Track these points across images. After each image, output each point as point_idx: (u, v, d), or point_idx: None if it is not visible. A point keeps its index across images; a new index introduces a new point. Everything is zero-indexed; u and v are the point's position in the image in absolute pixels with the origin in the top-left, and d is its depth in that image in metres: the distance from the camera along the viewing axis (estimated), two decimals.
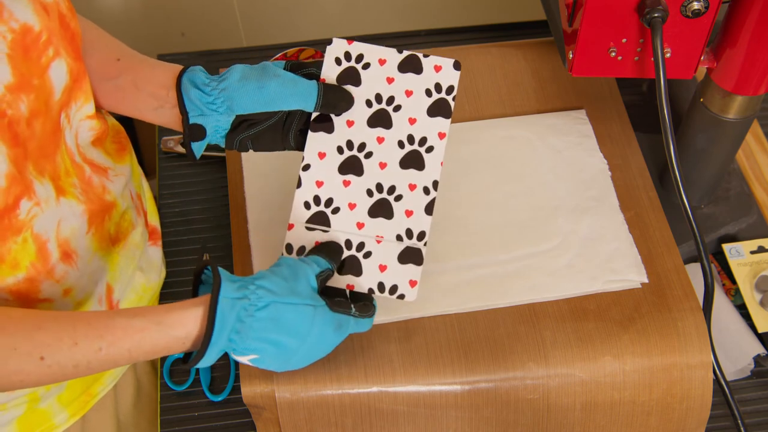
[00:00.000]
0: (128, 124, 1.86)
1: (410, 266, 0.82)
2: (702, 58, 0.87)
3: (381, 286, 0.82)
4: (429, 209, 0.83)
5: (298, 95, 0.80)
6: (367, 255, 0.83)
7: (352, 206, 0.84)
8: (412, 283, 0.82)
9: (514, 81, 1.06)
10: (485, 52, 1.09)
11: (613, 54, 0.87)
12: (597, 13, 0.83)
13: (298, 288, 0.75)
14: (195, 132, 0.80)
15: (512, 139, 1.00)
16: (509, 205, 0.95)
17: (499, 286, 0.89)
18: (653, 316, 0.87)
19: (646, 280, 0.89)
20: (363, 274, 0.82)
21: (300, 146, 0.84)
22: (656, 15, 0.81)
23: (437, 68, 0.85)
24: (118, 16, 1.62)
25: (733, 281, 1.02)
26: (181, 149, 1.14)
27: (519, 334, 0.86)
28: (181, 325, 0.71)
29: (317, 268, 0.78)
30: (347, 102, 0.82)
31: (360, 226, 0.83)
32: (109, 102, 0.84)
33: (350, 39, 0.85)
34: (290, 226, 0.83)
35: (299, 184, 0.83)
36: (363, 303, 0.80)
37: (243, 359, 0.73)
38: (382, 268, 0.82)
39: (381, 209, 0.83)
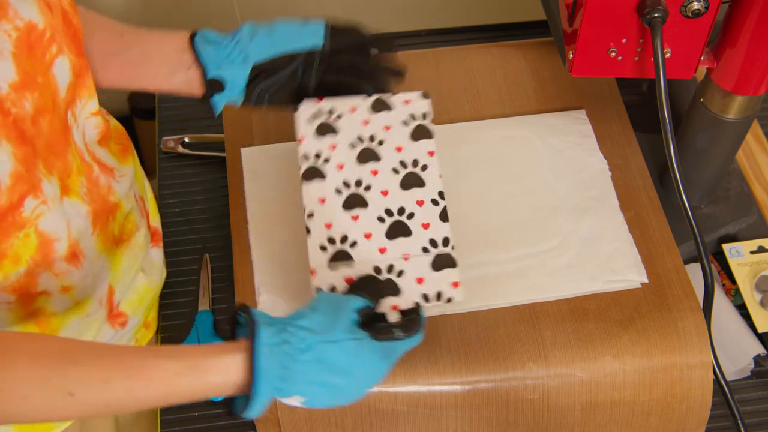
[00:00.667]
0: (128, 124, 1.87)
1: (446, 271, 0.81)
2: (702, 58, 0.87)
3: (425, 297, 0.80)
4: (444, 216, 0.83)
5: (306, 32, 0.82)
6: (400, 274, 0.81)
7: (368, 236, 0.83)
8: (455, 285, 0.81)
9: (514, 81, 1.06)
10: (485, 52, 1.09)
11: (613, 54, 0.87)
12: (597, 13, 0.83)
13: (339, 323, 0.72)
14: (214, 86, 0.82)
15: (512, 139, 1.00)
16: (509, 205, 0.95)
17: (500, 286, 0.89)
18: (653, 316, 0.87)
19: (646, 280, 0.89)
20: (403, 293, 0.81)
21: (317, 94, 0.85)
22: (656, 15, 0.81)
23: (407, 102, 0.87)
24: (117, 16, 1.62)
25: (733, 281, 1.02)
26: (181, 149, 1.14)
27: (519, 334, 0.86)
28: (219, 372, 0.68)
29: (358, 302, 0.75)
30: (356, 31, 0.83)
31: (382, 251, 0.83)
32: (119, 78, 0.84)
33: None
34: (312, 272, 0.82)
35: (308, 232, 0.82)
36: (408, 319, 0.76)
37: (292, 401, 0.70)
38: (420, 281, 0.81)
39: (397, 230, 0.83)
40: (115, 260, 0.87)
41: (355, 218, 0.83)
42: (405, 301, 0.80)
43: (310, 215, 0.83)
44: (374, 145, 0.86)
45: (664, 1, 0.81)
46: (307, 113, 0.86)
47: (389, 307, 0.80)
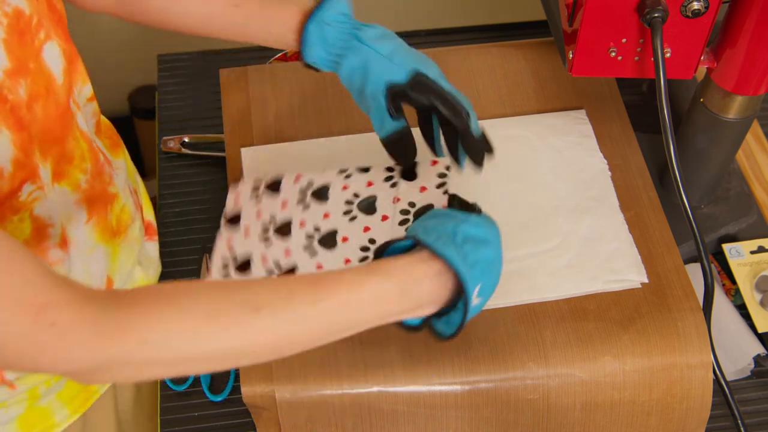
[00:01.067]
0: (128, 124, 1.87)
1: None
2: (702, 58, 0.87)
3: None
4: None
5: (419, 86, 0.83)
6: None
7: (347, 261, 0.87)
8: None
9: (514, 81, 1.06)
10: (485, 52, 1.09)
11: (613, 54, 0.87)
12: (597, 13, 0.83)
13: (444, 213, 0.75)
14: (311, 66, 0.87)
15: (512, 139, 1.00)
16: (509, 205, 0.95)
17: (500, 286, 0.89)
18: (653, 316, 0.87)
19: (646, 280, 0.89)
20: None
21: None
22: (656, 15, 0.81)
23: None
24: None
25: (733, 281, 1.02)
26: (181, 149, 1.14)
27: (519, 334, 0.86)
28: (409, 272, 0.68)
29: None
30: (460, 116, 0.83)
31: (385, 218, 0.86)
32: (230, 37, 0.88)
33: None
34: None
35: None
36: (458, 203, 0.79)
37: (474, 298, 0.70)
38: None
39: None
40: (113, 251, 0.87)
41: (345, 240, 0.87)
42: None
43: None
44: (274, 224, 0.89)
45: (664, 1, 0.81)
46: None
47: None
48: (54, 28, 0.75)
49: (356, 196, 0.89)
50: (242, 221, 0.90)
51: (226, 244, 0.89)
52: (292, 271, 0.86)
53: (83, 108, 0.80)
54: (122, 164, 0.89)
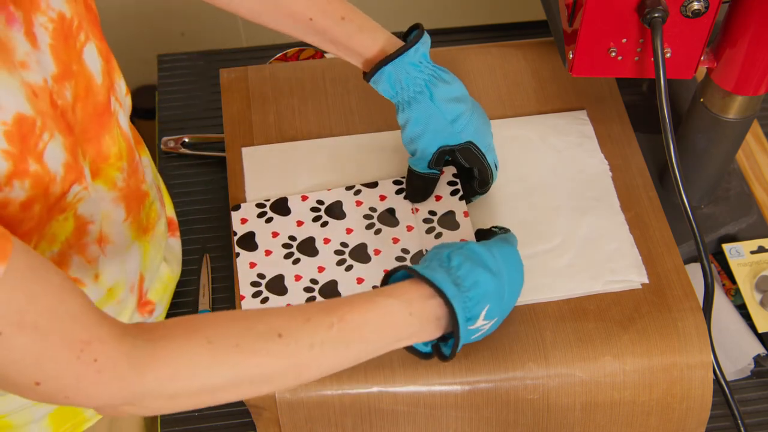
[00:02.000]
0: None
1: None
2: (702, 58, 0.87)
3: None
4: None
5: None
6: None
7: (394, 241, 0.91)
8: None
9: (514, 81, 1.06)
10: (485, 52, 1.09)
11: (613, 54, 0.87)
12: (597, 13, 0.83)
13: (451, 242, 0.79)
14: None
15: (513, 140, 1.00)
16: (510, 206, 0.95)
17: None
18: (653, 316, 0.87)
19: (646, 281, 0.89)
20: None
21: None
22: (656, 15, 0.81)
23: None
24: (117, 16, 1.62)
25: (733, 281, 1.02)
26: (181, 149, 1.14)
27: (519, 334, 0.86)
28: (406, 294, 0.72)
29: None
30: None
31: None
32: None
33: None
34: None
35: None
36: (489, 230, 0.86)
37: (480, 321, 0.74)
38: None
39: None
40: (144, 248, 0.88)
41: (377, 253, 0.89)
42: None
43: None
44: (297, 242, 0.91)
45: (664, 1, 0.81)
46: (255, 304, 0.89)
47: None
48: (91, 28, 0.75)
49: (373, 210, 0.91)
50: (259, 243, 0.91)
51: (249, 265, 0.89)
52: (331, 285, 0.88)
53: (123, 103, 0.81)
54: (147, 161, 0.90)
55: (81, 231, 0.76)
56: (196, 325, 0.65)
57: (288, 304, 0.86)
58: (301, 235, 0.91)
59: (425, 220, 0.90)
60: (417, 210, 0.90)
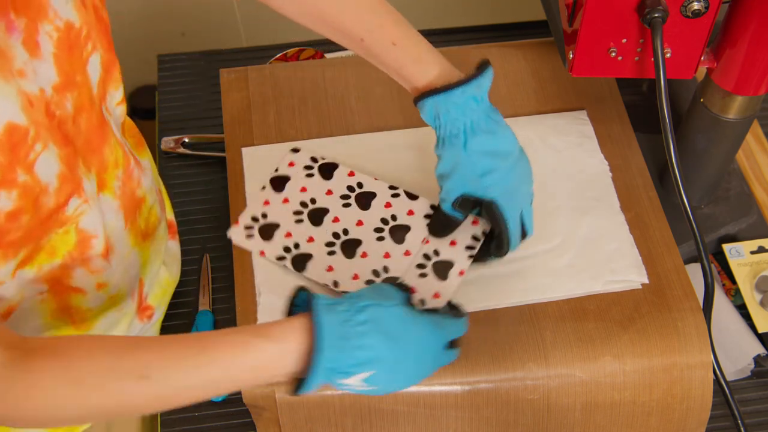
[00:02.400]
0: None
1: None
2: (702, 58, 0.87)
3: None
4: (411, 196, 0.92)
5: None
6: (423, 276, 0.88)
7: (387, 256, 0.89)
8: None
9: (514, 81, 1.06)
10: (485, 52, 1.09)
11: (613, 54, 0.87)
12: (597, 13, 0.83)
13: (386, 295, 0.74)
14: None
15: None
16: None
17: (501, 286, 0.89)
18: (653, 316, 0.87)
19: (646, 281, 0.89)
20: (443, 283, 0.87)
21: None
22: (656, 15, 0.80)
23: (291, 164, 0.96)
24: (117, 16, 1.62)
25: (733, 281, 1.02)
26: (181, 149, 1.14)
27: (519, 334, 0.86)
28: (283, 337, 0.69)
29: (400, 289, 0.77)
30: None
31: (407, 254, 0.89)
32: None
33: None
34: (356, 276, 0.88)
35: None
36: (449, 306, 0.80)
37: (355, 380, 0.70)
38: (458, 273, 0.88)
39: (399, 232, 0.90)
40: (143, 254, 0.88)
41: (364, 255, 0.88)
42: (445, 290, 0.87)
43: (335, 284, 0.87)
44: (312, 206, 0.92)
45: (664, 1, 0.81)
46: (240, 235, 0.91)
47: (431, 295, 0.85)
48: (100, 38, 0.75)
49: (393, 218, 0.91)
50: (287, 188, 0.93)
51: (264, 201, 0.93)
52: (306, 257, 0.89)
53: (113, 113, 0.81)
54: (148, 164, 0.90)
55: (84, 245, 0.76)
56: (70, 357, 0.65)
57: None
58: (321, 203, 0.92)
59: (424, 255, 0.89)
60: (428, 242, 0.90)
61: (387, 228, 0.90)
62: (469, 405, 0.84)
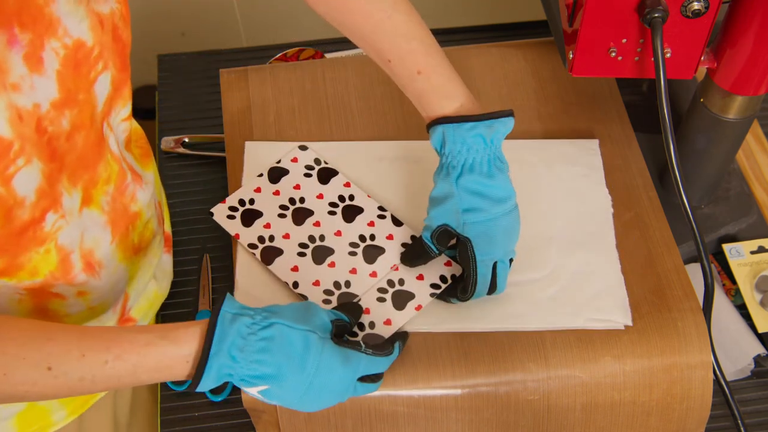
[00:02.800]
0: None
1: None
2: (702, 58, 0.87)
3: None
4: (396, 222, 0.92)
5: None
6: (402, 282, 0.88)
7: (353, 271, 0.89)
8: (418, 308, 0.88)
9: (514, 81, 1.06)
10: (485, 52, 1.09)
11: (613, 54, 0.87)
12: (597, 13, 0.83)
13: (307, 318, 0.74)
14: None
15: (519, 164, 0.97)
16: None
17: (478, 311, 0.87)
18: (653, 316, 0.87)
19: (630, 323, 0.87)
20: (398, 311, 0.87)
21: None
22: (656, 15, 0.80)
23: (294, 159, 0.97)
24: None
25: (733, 281, 1.02)
26: (181, 149, 1.14)
27: (519, 335, 0.86)
28: (185, 341, 0.70)
29: (333, 314, 0.78)
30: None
31: (373, 275, 0.89)
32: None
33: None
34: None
35: (305, 298, 0.88)
36: (381, 344, 0.79)
37: (253, 390, 0.72)
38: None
39: (372, 253, 0.90)
40: (133, 268, 0.87)
41: (332, 265, 0.89)
42: (397, 320, 0.87)
43: (295, 285, 0.88)
44: (299, 205, 0.93)
45: (664, 1, 0.81)
46: (222, 213, 0.93)
47: (382, 321, 0.86)
48: (113, 58, 0.74)
49: (372, 238, 0.91)
50: (282, 181, 0.95)
51: (256, 188, 0.94)
52: (276, 252, 0.90)
53: (115, 129, 0.80)
54: (151, 177, 0.89)
55: (66, 264, 0.76)
56: None
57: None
58: (309, 204, 0.93)
59: (389, 281, 0.88)
60: (397, 269, 0.89)
61: (362, 245, 0.90)
62: (469, 406, 0.84)
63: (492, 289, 0.85)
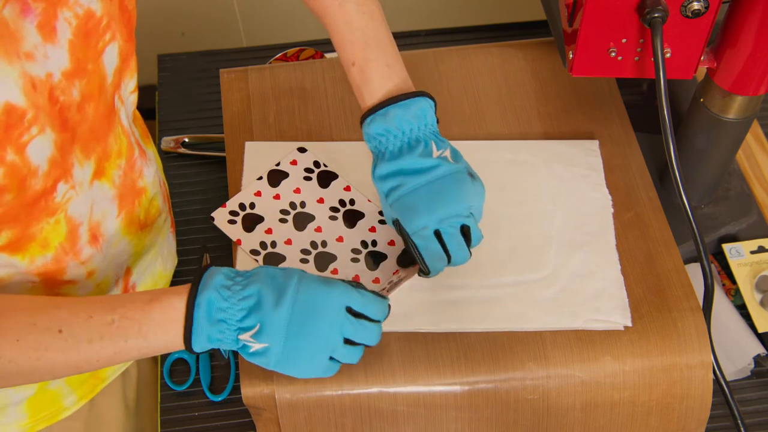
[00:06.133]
0: None
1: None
2: (702, 58, 0.87)
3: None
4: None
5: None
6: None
7: (356, 278, 0.89)
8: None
9: (514, 81, 1.06)
10: (485, 52, 1.09)
11: (613, 54, 0.87)
12: (597, 13, 0.83)
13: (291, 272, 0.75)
14: None
15: (518, 164, 0.98)
16: (503, 231, 0.93)
17: (478, 311, 0.87)
18: (653, 316, 0.87)
19: (629, 324, 0.87)
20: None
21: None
22: (656, 15, 0.81)
23: (293, 162, 0.97)
24: None
25: (733, 281, 1.02)
26: (181, 149, 1.14)
27: (519, 335, 0.86)
28: (184, 291, 0.72)
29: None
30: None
31: (376, 281, 0.89)
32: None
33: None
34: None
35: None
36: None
37: (246, 336, 0.72)
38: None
39: (376, 258, 0.91)
40: (138, 243, 0.88)
41: (335, 272, 0.89)
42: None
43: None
44: (300, 209, 0.93)
45: (664, 1, 0.81)
46: (223, 218, 0.92)
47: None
48: (120, 29, 0.75)
49: (374, 244, 0.91)
50: (282, 185, 0.94)
51: (256, 192, 0.94)
52: (279, 258, 0.90)
53: (126, 101, 0.81)
54: (153, 155, 0.90)
55: (73, 235, 0.77)
56: None
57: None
58: (310, 209, 0.93)
59: (389, 282, 0.87)
60: (397, 272, 0.89)
61: (364, 252, 0.90)
62: (468, 405, 0.84)
63: (450, 258, 0.82)
